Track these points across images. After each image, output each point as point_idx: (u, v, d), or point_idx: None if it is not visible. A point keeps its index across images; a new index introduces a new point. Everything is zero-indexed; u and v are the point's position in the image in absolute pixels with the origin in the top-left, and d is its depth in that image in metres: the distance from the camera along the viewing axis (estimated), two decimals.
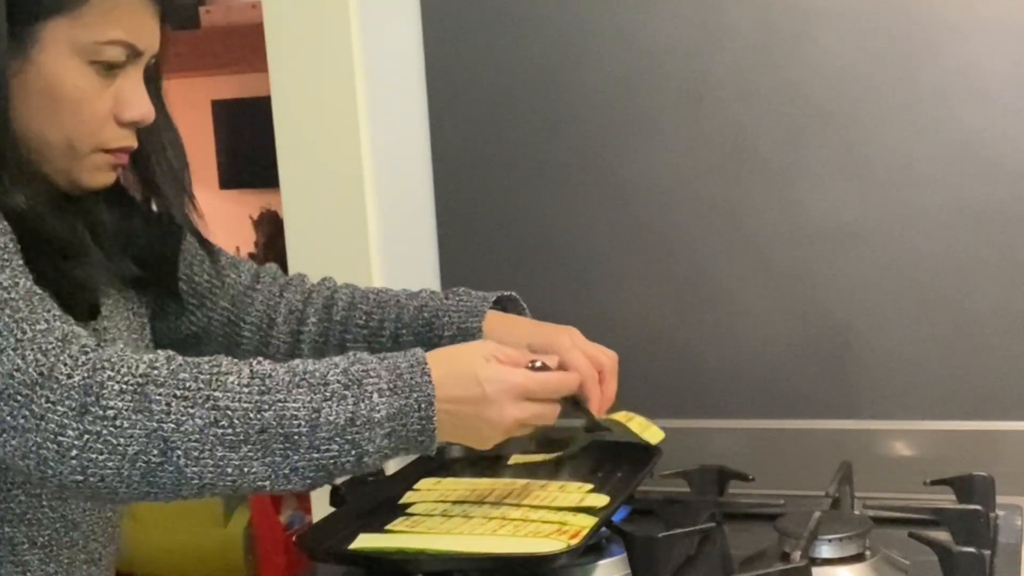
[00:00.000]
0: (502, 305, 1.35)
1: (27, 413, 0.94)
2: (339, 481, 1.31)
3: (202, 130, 3.65)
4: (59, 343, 0.96)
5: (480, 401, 1.08)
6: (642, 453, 1.38)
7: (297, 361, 1.04)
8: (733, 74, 1.53)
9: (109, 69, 1.10)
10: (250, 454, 0.98)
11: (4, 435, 0.95)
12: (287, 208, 1.75)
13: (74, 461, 0.95)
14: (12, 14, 1.05)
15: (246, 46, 2.85)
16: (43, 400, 0.94)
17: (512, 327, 1.30)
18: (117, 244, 1.21)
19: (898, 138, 1.47)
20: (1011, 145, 1.44)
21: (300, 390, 1.00)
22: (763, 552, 1.25)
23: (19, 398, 0.94)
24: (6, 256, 1.00)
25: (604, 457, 1.40)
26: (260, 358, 1.03)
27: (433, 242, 1.68)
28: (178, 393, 0.97)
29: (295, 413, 0.99)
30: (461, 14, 1.64)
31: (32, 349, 0.95)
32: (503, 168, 1.64)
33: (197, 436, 0.97)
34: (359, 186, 1.69)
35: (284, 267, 1.75)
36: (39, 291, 1.00)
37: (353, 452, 1.01)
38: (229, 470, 0.98)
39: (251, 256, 3.94)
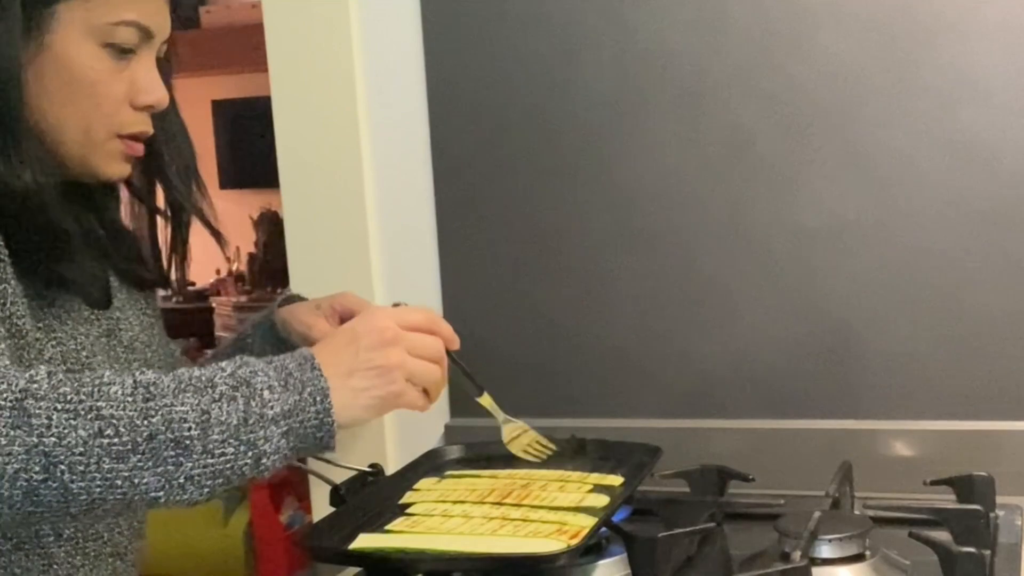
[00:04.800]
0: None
1: None
2: (340, 483, 1.32)
3: (202, 130, 3.66)
4: None
5: (351, 333, 1.08)
6: (642, 453, 1.38)
7: (183, 369, 1.01)
8: (733, 74, 1.53)
9: (122, 53, 1.11)
10: (140, 464, 0.94)
11: None
12: (287, 208, 1.75)
13: None
14: None
15: (246, 46, 2.85)
16: None
17: (299, 304, 1.37)
18: (123, 244, 1.22)
19: (898, 137, 1.47)
20: (1011, 145, 1.44)
21: (187, 394, 0.97)
22: (763, 552, 1.25)
23: None
24: None
25: (604, 457, 1.40)
26: (143, 368, 1.01)
27: (433, 242, 1.68)
28: (59, 406, 0.93)
29: (184, 416, 0.96)
30: (461, 14, 1.64)
31: None
32: (503, 168, 1.64)
33: (81, 449, 0.93)
34: (359, 186, 1.69)
35: (284, 267, 1.75)
36: None
37: (250, 454, 0.98)
38: (119, 482, 0.94)
39: (251, 256, 3.94)
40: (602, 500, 1.25)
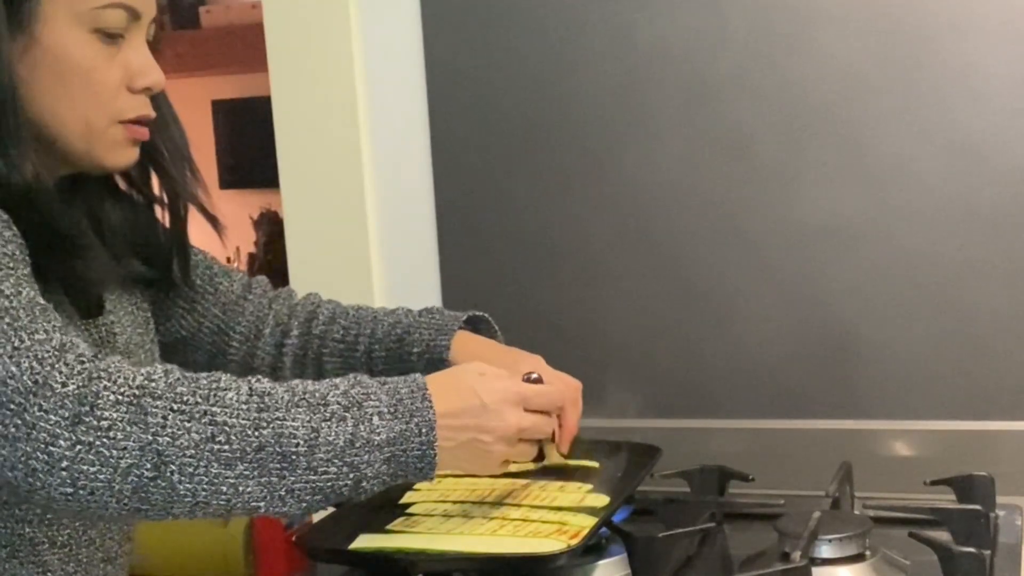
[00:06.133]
0: (474, 325, 1.34)
1: (19, 422, 0.91)
2: None
3: (202, 130, 3.65)
4: (56, 352, 0.94)
5: (480, 412, 1.07)
6: (642, 453, 1.38)
7: (297, 381, 1.02)
8: (733, 74, 1.53)
9: (112, 38, 1.10)
10: (246, 472, 0.95)
11: None
12: (287, 208, 1.75)
13: (64, 472, 0.92)
14: None
15: (246, 46, 2.85)
16: (36, 409, 0.91)
17: (478, 349, 1.29)
18: (120, 240, 1.21)
19: (898, 138, 1.47)
20: (1011, 145, 1.44)
21: (299, 409, 0.98)
22: (763, 552, 1.25)
23: (12, 406, 0.91)
24: (12, 265, 0.99)
25: (604, 457, 1.40)
26: (259, 376, 1.01)
27: (433, 242, 1.68)
28: (175, 407, 0.95)
29: (294, 432, 0.97)
30: (461, 14, 1.64)
31: (28, 357, 0.93)
32: (503, 168, 1.64)
33: (193, 451, 0.94)
34: (359, 186, 1.69)
35: (284, 267, 1.76)
36: (42, 302, 0.98)
37: (351, 475, 0.99)
38: (224, 488, 0.95)
39: (251, 256, 3.94)
40: (602, 500, 1.25)
